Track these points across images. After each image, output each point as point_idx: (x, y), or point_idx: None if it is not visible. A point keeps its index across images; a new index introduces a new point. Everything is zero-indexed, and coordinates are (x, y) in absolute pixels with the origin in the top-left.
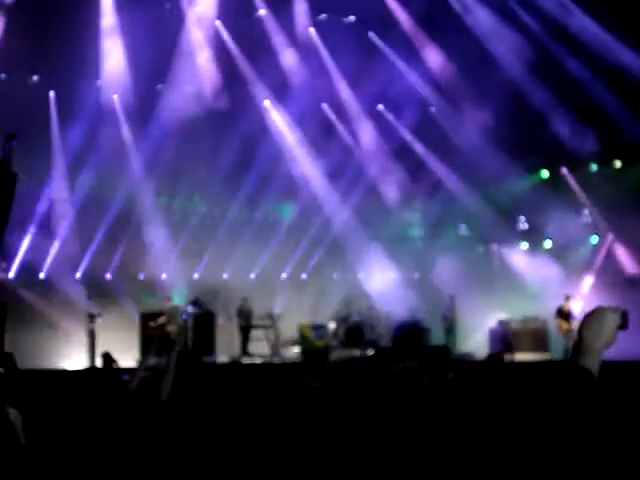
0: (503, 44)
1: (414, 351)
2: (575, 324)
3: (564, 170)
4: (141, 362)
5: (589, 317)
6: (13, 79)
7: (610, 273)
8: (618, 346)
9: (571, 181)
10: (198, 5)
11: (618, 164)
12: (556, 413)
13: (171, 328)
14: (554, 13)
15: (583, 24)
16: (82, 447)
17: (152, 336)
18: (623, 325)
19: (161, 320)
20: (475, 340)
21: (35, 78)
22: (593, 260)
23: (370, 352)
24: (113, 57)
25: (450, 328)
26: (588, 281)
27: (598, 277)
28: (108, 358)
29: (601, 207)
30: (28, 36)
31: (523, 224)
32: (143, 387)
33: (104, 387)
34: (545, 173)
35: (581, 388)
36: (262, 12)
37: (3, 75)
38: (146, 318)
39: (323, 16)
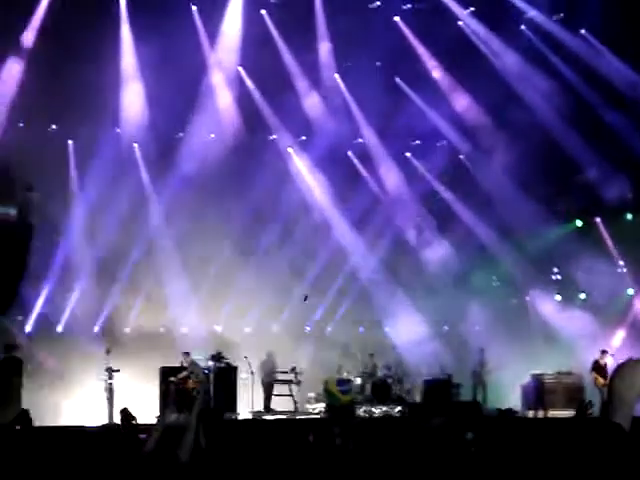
0: (534, 89)
1: (444, 407)
2: None
3: (597, 219)
4: (160, 419)
5: (621, 370)
6: (31, 128)
7: None
8: None
9: (605, 231)
10: (220, 50)
11: None
12: (587, 470)
13: (192, 384)
14: (586, 58)
15: (616, 69)
16: None
17: (172, 392)
18: None
19: (182, 375)
20: (508, 396)
21: (53, 127)
22: (628, 313)
23: (397, 409)
24: (133, 104)
25: (480, 383)
26: (620, 334)
27: (632, 330)
28: (127, 415)
29: (636, 258)
30: (46, 84)
31: (556, 275)
32: (162, 447)
33: (122, 445)
34: (579, 222)
35: (613, 444)
36: (287, 57)
37: (21, 124)
38: (166, 373)
39: (349, 62)
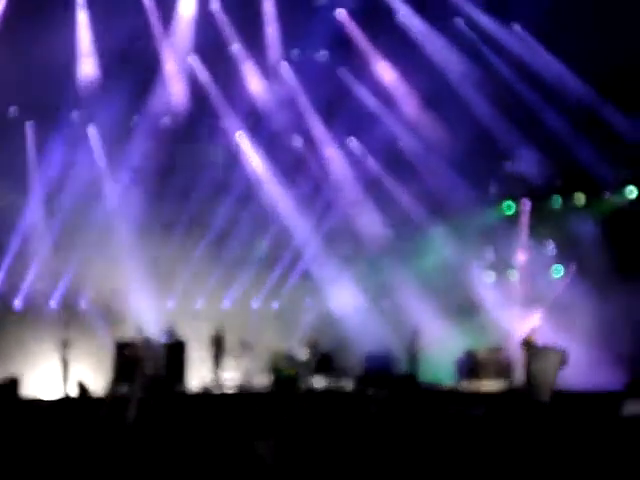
0: (468, 79)
1: (385, 380)
2: None
3: (525, 203)
4: (110, 389)
5: (535, 357)
6: None
7: (570, 305)
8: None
9: (528, 214)
10: (173, 38)
11: (582, 199)
12: (516, 438)
13: (144, 357)
14: (518, 50)
15: (546, 61)
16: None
17: (125, 364)
18: (563, 362)
19: (134, 349)
20: (442, 370)
21: (12, 109)
22: (555, 292)
23: (348, 382)
24: (89, 87)
25: (413, 359)
26: (539, 313)
27: (557, 309)
28: (82, 387)
29: (564, 240)
30: (4, 67)
31: (490, 255)
32: (112, 412)
33: (78, 416)
34: (510, 205)
35: (539, 418)
36: (235, 46)
37: None
38: (121, 347)
39: (295, 50)
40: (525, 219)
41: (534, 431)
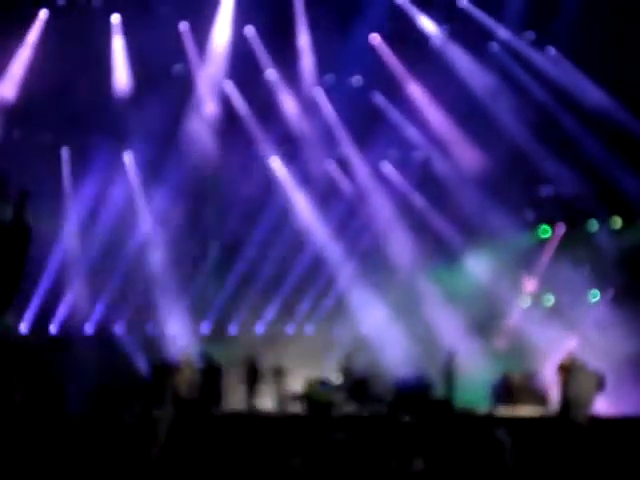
0: (503, 104)
1: (417, 406)
2: None
3: (560, 227)
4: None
5: (574, 381)
6: (27, 136)
7: (605, 329)
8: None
9: (564, 238)
10: (208, 65)
11: (619, 222)
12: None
13: (178, 379)
14: (553, 75)
15: (581, 84)
16: None
17: (160, 387)
18: (601, 387)
19: (169, 372)
20: (477, 395)
21: (49, 135)
22: (591, 316)
23: (381, 408)
24: (124, 113)
25: (449, 382)
26: (575, 338)
27: (592, 333)
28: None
29: (600, 265)
30: (43, 92)
31: (526, 280)
32: (145, 427)
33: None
34: (546, 230)
35: (576, 439)
36: (269, 72)
37: (17, 132)
38: (155, 370)
39: (329, 75)
40: (554, 244)
41: (572, 456)
